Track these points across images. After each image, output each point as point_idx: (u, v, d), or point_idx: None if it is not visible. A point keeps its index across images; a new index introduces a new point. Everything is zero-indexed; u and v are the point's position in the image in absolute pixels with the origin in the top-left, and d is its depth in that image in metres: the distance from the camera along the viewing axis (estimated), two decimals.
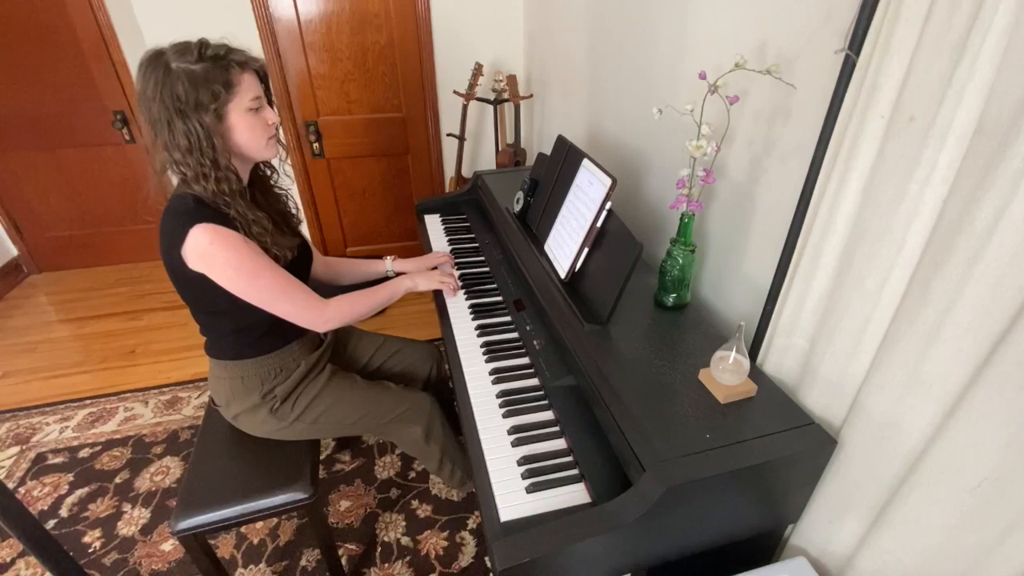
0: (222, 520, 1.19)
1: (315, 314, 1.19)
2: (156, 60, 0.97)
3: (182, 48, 0.98)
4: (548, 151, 1.52)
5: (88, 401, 2.16)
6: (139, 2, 2.18)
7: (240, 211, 1.07)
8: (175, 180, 1.10)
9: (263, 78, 1.10)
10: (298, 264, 1.23)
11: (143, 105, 1.00)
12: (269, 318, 1.16)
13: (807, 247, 0.88)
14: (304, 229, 2.88)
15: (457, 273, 1.56)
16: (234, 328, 1.18)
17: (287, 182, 1.31)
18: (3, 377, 2.32)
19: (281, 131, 1.17)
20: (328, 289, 1.36)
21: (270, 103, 1.12)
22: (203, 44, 0.99)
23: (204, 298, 1.12)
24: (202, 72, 0.97)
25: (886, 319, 0.79)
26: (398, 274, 1.55)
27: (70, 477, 1.82)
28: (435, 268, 1.57)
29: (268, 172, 1.26)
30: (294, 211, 1.32)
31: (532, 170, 1.59)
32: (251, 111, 1.05)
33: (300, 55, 2.40)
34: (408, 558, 1.56)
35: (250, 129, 1.06)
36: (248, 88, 1.04)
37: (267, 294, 1.11)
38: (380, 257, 1.59)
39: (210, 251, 1.03)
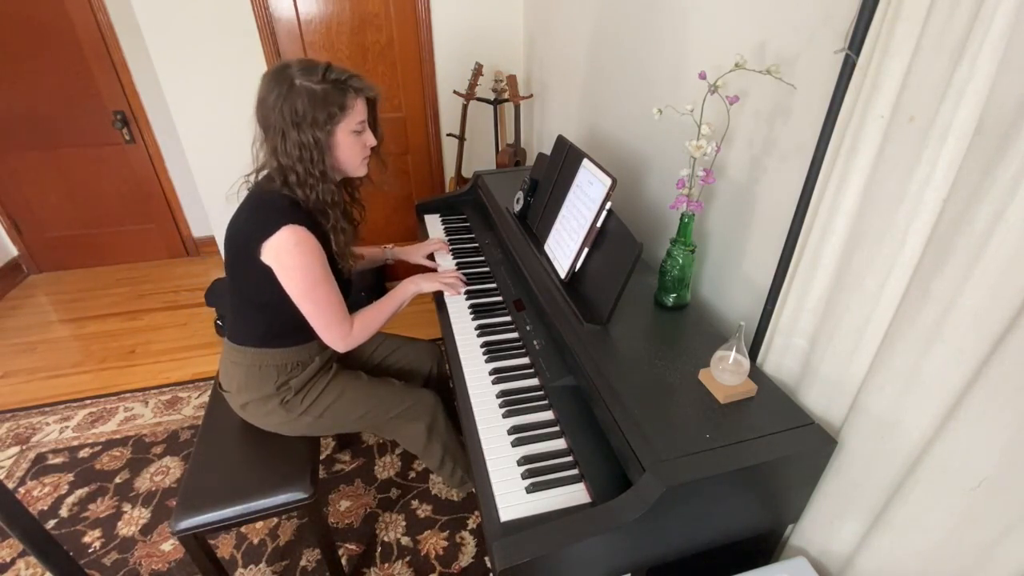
0: (222, 520, 1.19)
1: (340, 336, 1.24)
2: (282, 73, 1.07)
3: (308, 67, 1.07)
4: (548, 151, 1.52)
5: (88, 401, 2.16)
6: (139, 2, 2.18)
7: (335, 219, 1.17)
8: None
9: (372, 104, 1.19)
10: (347, 280, 1.30)
11: (261, 111, 1.09)
12: (303, 317, 1.21)
13: (807, 247, 0.88)
14: None
15: (451, 259, 1.59)
16: (269, 319, 1.22)
17: None
18: (3, 377, 2.32)
19: (381, 153, 1.29)
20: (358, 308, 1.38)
21: (373, 127, 1.22)
22: (328, 67, 1.09)
23: (256, 287, 1.16)
24: (323, 93, 1.06)
25: (886, 319, 0.79)
26: (397, 261, 1.62)
27: (70, 477, 1.82)
28: (432, 257, 1.62)
29: (358, 182, 1.33)
30: (358, 222, 1.35)
31: (532, 170, 1.59)
32: (355, 132, 1.15)
33: (300, 55, 2.40)
34: (408, 558, 1.56)
35: (350, 148, 1.16)
36: (358, 112, 1.13)
37: (315, 305, 1.17)
38: (379, 247, 1.64)
39: (293, 251, 1.09)
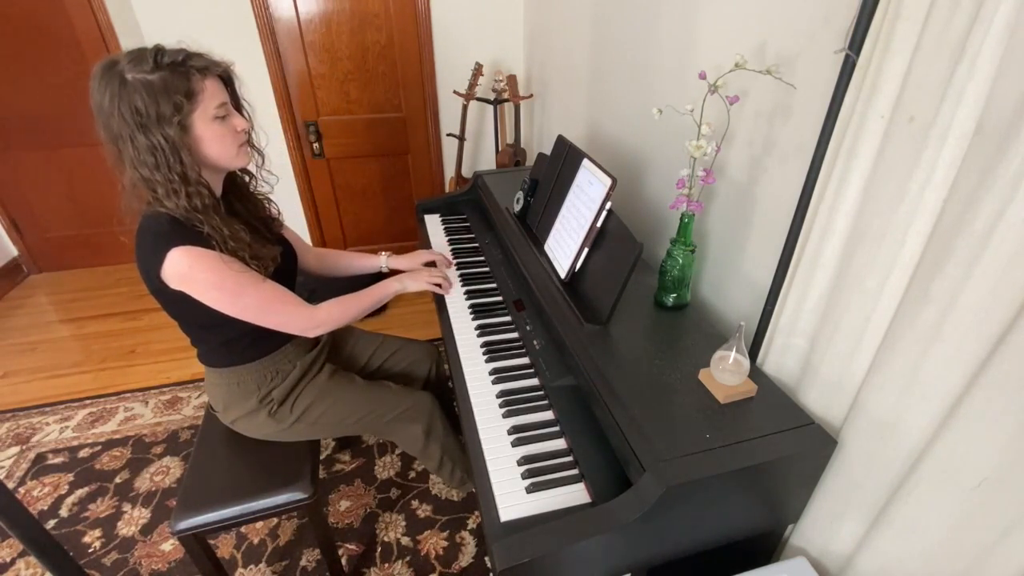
0: (222, 520, 1.19)
1: (304, 321, 1.18)
2: (110, 71, 0.92)
3: (137, 57, 0.93)
4: (548, 151, 1.52)
5: (88, 401, 2.16)
6: (139, 2, 2.18)
7: (215, 226, 1.03)
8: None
9: (228, 82, 1.05)
10: (283, 270, 1.21)
11: (101, 120, 0.95)
12: (258, 326, 1.15)
13: (807, 247, 0.88)
14: (303, 230, 2.87)
15: (453, 270, 1.56)
16: (224, 339, 1.18)
17: (265, 187, 1.27)
18: (3, 377, 2.32)
19: (255, 136, 1.13)
20: (321, 293, 1.34)
21: (239, 108, 1.08)
22: (159, 51, 0.94)
23: (190, 314, 1.10)
24: (160, 82, 0.92)
25: (886, 319, 0.79)
26: (392, 271, 1.54)
27: (70, 477, 1.82)
28: (431, 263, 1.57)
29: (246, 179, 1.23)
30: (276, 215, 1.31)
31: (532, 170, 1.59)
32: (218, 119, 1.01)
33: (300, 55, 2.40)
34: (408, 558, 1.56)
35: (219, 139, 1.02)
36: (212, 95, 0.99)
37: (253, 309, 1.10)
38: (375, 252, 1.58)
39: (190, 274, 1.01)
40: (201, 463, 1.28)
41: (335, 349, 1.49)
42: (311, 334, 1.22)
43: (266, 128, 1.18)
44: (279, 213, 1.33)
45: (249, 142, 1.11)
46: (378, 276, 1.48)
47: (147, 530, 1.64)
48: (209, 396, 1.30)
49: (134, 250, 1.04)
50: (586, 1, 1.76)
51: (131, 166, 0.97)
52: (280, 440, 1.32)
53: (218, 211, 1.06)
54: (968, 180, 0.65)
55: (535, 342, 1.25)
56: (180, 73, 0.94)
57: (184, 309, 1.09)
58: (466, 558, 1.56)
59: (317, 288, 1.30)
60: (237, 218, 1.13)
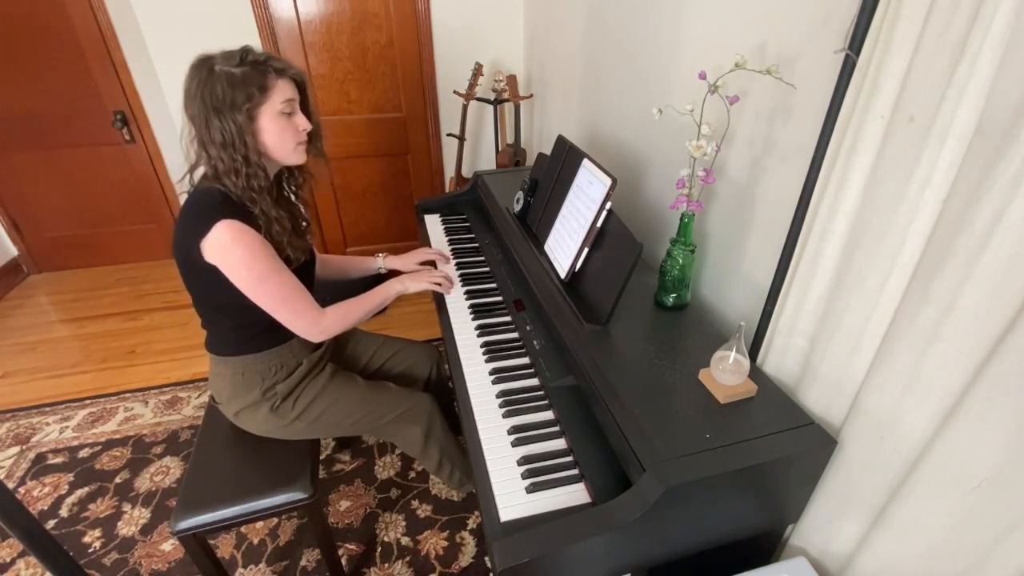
0: (222, 520, 1.19)
1: (311, 324, 1.22)
2: (204, 63, 1.06)
3: (229, 54, 1.07)
4: (548, 151, 1.52)
5: (88, 401, 2.16)
6: (139, 2, 2.18)
7: (264, 208, 1.12)
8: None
9: (302, 87, 1.16)
10: (305, 270, 1.26)
11: (187, 101, 1.08)
12: (271, 316, 1.18)
13: (807, 247, 0.88)
14: None
15: (453, 268, 1.57)
16: (236, 323, 1.20)
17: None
18: (3, 377, 2.32)
19: (322, 143, 1.23)
20: (321, 291, 1.35)
21: (307, 112, 1.17)
22: (246, 51, 1.08)
23: (211, 291, 1.14)
24: (240, 75, 1.05)
25: (886, 319, 0.79)
26: (389, 271, 1.57)
27: (70, 477, 1.82)
28: (427, 264, 1.58)
29: (292, 187, 1.30)
30: (305, 219, 1.34)
31: (532, 170, 1.59)
32: (283, 115, 1.11)
33: (300, 55, 2.40)
34: (408, 558, 1.56)
35: (279, 132, 1.12)
36: (281, 92, 1.09)
37: (271, 299, 1.15)
38: (372, 255, 1.60)
39: (230, 246, 1.07)
40: (201, 463, 1.28)
41: (337, 349, 1.49)
42: (314, 338, 1.25)
43: None
44: (307, 222, 1.36)
45: (312, 143, 1.21)
46: (377, 278, 1.50)
47: (147, 530, 1.64)
48: (213, 387, 1.31)
49: (177, 218, 1.12)
50: (586, 1, 1.76)
51: (200, 144, 1.09)
52: (280, 438, 1.32)
53: (270, 194, 1.15)
54: (968, 180, 0.65)
55: (535, 342, 1.25)
56: (259, 70, 1.07)
57: (207, 284, 1.13)
58: (466, 558, 1.56)
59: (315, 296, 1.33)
60: (281, 208, 1.19)
